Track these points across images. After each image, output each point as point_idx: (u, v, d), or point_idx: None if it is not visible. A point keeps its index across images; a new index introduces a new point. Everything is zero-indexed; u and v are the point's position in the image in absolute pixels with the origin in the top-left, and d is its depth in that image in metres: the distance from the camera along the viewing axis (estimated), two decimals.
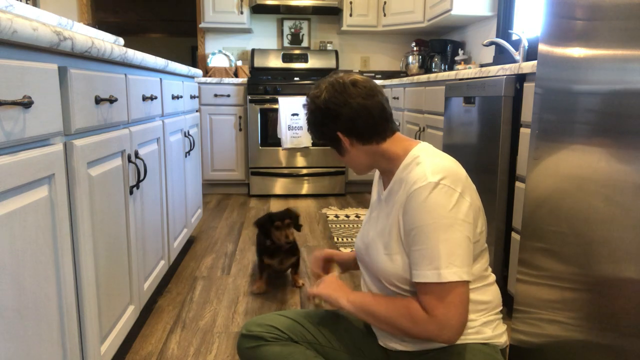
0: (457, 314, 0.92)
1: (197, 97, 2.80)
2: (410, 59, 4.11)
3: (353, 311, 1.07)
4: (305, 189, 3.99)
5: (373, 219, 1.14)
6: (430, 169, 0.97)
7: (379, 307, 1.01)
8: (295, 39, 4.52)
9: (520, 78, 1.78)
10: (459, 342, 1.01)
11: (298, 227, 2.05)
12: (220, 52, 4.34)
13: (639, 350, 0.84)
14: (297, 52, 4.37)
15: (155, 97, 1.75)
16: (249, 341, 1.16)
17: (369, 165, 1.13)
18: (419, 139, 1.12)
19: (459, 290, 0.92)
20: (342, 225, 3.08)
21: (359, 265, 1.22)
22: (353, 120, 1.05)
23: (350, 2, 4.13)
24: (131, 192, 1.47)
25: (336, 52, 4.39)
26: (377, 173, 1.25)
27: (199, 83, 3.78)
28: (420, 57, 4.08)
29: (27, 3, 3.74)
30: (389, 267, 1.02)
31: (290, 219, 1.99)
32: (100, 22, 4.80)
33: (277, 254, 2.04)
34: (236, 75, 4.26)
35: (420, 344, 1.04)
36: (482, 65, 3.43)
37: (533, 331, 1.18)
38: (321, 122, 1.08)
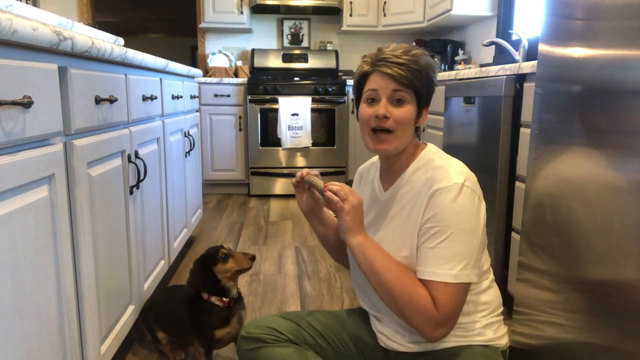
0: (456, 316, 0.94)
1: (197, 97, 2.80)
2: None
3: (356, 255, 0.98)
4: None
5: (370, 221, 1.13)
6: (452, 170, 0.97)
7: (389, 276, 0.94)
8: (295, 39, 4.52)
9: (520, 78, 1.78)
10: (460, 343, 1.01)
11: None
12: (220, 52, 4.34)
13: (639, 352, 0.84)
14: (297, 52, 4.37)
15: (155, 97, 1.75)
16: (249, 343, 1.15)
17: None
18: (419, 139, 1.11)
19: (462, 292, 0.93)
20: None
21: (350, 263, 1.19)
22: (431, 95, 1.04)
23: (350, 2, 4.13)
24: (131, 192, 1.47)
25: (336, 52, 4.39)
26: (359, 173, 1.25)
27: (199, 83, 3.78)
28: None
29: (27, 3, 3.73)
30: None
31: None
32: (100, 22, 4.79)
33: (228, 314, 1.37)
34: (236, 75, 4.26)
35: (422, 344, 1.03)
36: (482, 65, 3.43)
37: (533, 333, 1.18)
38: (433, 81, 1.02)
